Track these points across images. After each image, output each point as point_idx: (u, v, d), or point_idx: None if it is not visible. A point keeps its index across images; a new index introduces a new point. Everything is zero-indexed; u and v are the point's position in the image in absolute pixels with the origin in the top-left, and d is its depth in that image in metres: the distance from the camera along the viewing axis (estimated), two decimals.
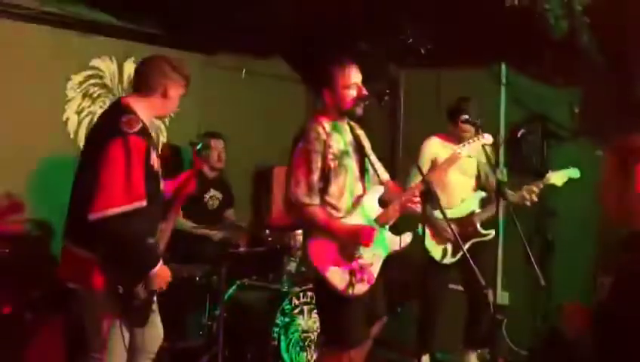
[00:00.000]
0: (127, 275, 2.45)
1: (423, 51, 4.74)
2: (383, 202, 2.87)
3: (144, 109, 2.59)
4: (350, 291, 2.65)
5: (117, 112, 2.53)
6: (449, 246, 3.83)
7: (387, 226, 2.85)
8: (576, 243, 4.35)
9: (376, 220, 2.80)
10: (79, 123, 4.36)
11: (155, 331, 2.74)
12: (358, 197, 2.82)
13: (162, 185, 2.67)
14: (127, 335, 2.55)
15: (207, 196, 4.36)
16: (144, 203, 2.41)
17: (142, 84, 2.63)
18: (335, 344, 2.77)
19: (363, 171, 2.90)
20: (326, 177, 2.76)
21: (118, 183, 2.36)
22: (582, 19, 3.93)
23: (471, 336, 4.00)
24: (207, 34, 4.73)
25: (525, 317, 4.48)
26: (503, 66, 4.77)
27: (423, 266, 3.92)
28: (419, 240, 2.99)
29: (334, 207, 2.77)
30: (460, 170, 3.82)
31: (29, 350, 3.38)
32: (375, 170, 2.95)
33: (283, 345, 3.59)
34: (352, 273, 2.66)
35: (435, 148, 3.90)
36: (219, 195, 4.42)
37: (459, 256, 3.76)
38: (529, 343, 4.34)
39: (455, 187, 3.87)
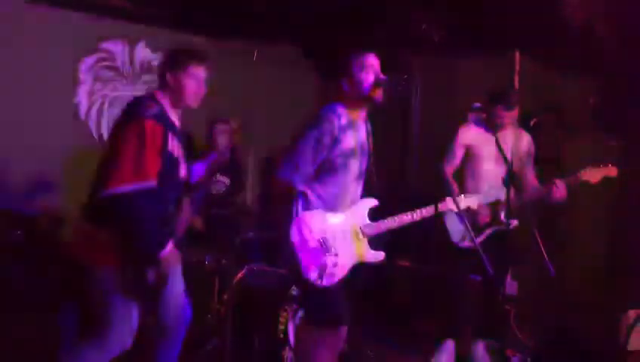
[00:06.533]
0: (134, 256, 2.50)
1: (436, 39, 4.70)
2: (371, 215, 2.90)
3: (167, 103, 2.69)
4: (319, 282, 2.71)
5: (141, 99, 2.64)
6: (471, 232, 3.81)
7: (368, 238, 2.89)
8: (587, 234, 4.32)
9: (362, 229, 2.85)
10: (90, 106, 4.37)
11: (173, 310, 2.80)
12: (352, 200, 2.86)
13: (183, 172, 2.74)
14: (134, 315, 2.60)
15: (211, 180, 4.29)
16: (152, 183, 2.48)
17: (158, 79, 2.73)
18: (316, 323, 2.84)
19: (364, 174, 2.90)
20: (326, 170, 2.75)
21: (128, 163, 2.44)
22: (599, 8, 3.88)
23: (481, 326, 3.99)
24: (218, 17, 4.71)
25: (534, 308, 4.47)
26: (518, 54, 4.73)
27: (444, 251, 3.94)
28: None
29: (323, 201, 2.78)
30: (494, 159, 3.79)
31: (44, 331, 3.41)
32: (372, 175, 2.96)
33: (291, 329, 3.60)
34: (322, 267, 2.71)
35: (469, 135, 3.87)
36: (225, 180, 4.36)
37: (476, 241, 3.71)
38: (537, 334, 4.33)
39: (485, 174, 3.83)
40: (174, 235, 2.70)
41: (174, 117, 2.72)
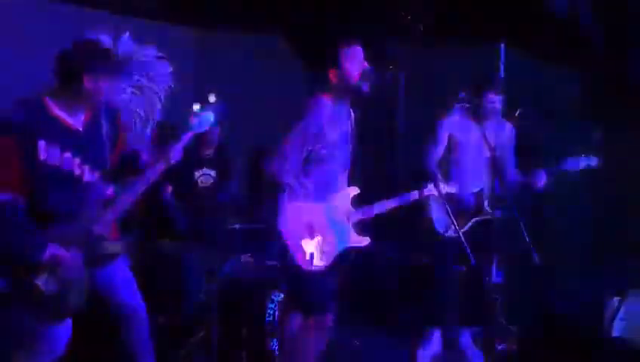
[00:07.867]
0: (12, 266, 2.39)
1: (421, 28, 4.71)
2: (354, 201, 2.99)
3: (57, 103, 2.61)
4: (309, 266, 2.79)
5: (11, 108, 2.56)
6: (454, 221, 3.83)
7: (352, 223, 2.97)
8: (573, 223, 4.37)
9: (347, 216, 2.94)
10: None
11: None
12: (339, 190, 2.93)
13: (85, 176, 2.60)
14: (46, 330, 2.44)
15: (197, 174, 4.29)
16: (6, 196, 2.38)
17: (63, 78, 2.69)
18: (302, 310, 2.92)
19: (349, 164, 2.98)
20: (313, 161, 2.82)
21: None
22: None
23: (467, 315, 4.02)
24: (205, 9, 4.69)
25: (520, 296, 4.51)
26: (503, 45, 4.74)
27: (430, 241, 3.97)
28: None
29: (310, 190, 2.84)
30: (477, 148, 3.80)
31: None
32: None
33: (278, 319, 3.61)
34: (310, 254, 2.79)
35: (453, 125, 3.88)
36: (212, 173, 4.35)
37: (461, 231, 3.73)
38: (523, 322, 4.37)
39: (469, 163, 3.85)
40: (69, 238, 2.46)
41: (70, 113, 2.61)
